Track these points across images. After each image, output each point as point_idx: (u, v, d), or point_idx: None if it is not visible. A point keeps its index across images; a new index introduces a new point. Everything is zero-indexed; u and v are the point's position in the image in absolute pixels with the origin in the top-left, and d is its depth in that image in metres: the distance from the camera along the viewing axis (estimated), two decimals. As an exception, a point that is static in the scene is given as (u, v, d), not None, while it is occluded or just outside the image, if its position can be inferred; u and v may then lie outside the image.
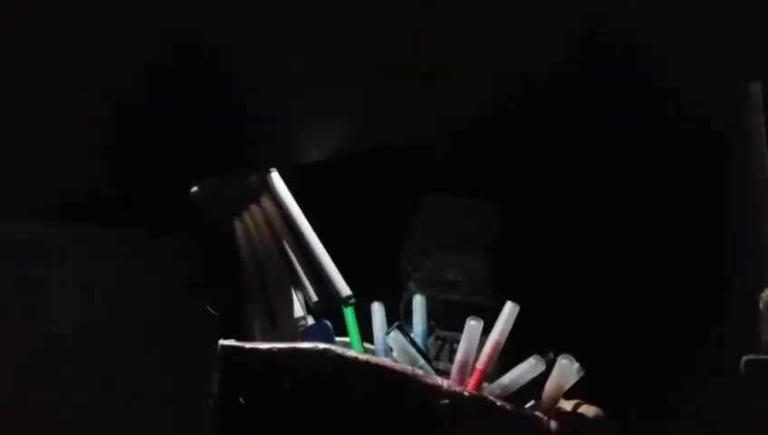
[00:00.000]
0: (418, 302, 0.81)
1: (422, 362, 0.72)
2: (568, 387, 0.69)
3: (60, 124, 0.99)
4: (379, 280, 0.96)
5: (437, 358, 0.96)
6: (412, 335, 0.78)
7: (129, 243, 1.04)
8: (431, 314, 0.98)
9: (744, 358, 0.74)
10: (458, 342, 0.98)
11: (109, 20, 0.92)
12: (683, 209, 0.99)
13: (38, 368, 0.98)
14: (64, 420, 0.97)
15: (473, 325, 0.70)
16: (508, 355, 0.81)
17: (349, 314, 0.81)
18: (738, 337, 0.82)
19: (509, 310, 0.72)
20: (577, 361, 0.77)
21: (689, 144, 0.97)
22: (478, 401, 0.67)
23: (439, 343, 0.97)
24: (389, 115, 1.00)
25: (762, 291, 0.76)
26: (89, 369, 0.99)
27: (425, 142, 1.05)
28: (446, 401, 0.66)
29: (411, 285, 1.01)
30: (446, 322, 0.97)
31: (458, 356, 0.70)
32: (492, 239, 1.02)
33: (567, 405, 0.77)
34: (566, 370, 0.67)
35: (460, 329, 0.96)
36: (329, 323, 0.85)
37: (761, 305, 0.76)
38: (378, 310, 0.79)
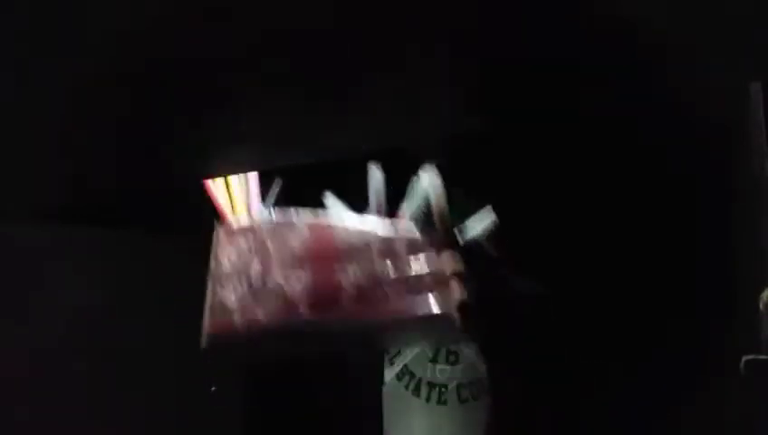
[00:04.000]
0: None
1: None
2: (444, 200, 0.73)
3: (60, 126, 0.99)
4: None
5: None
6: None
7: (129, 243, 1.04)
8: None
9: (744, 358, 0.74)
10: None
11: (109, 23, 0.92)
12: (683, 209, 0.98)
13: (38, 367, 0.98)
14: (64, 417, 0.97)
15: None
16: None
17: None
18: (738, 337, 0.82)
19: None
20: (578, 360, 0.77)
21: (689, 144, 0.97)
22: None
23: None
24: (388, 117, 1.00)
25: (762, 291, 0.76)
26: (88, 367, 0.99)
27: (420, 145, 1.05)
28: None
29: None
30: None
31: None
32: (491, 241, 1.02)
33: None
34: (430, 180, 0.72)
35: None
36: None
37: (761, 305, 0.76)
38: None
